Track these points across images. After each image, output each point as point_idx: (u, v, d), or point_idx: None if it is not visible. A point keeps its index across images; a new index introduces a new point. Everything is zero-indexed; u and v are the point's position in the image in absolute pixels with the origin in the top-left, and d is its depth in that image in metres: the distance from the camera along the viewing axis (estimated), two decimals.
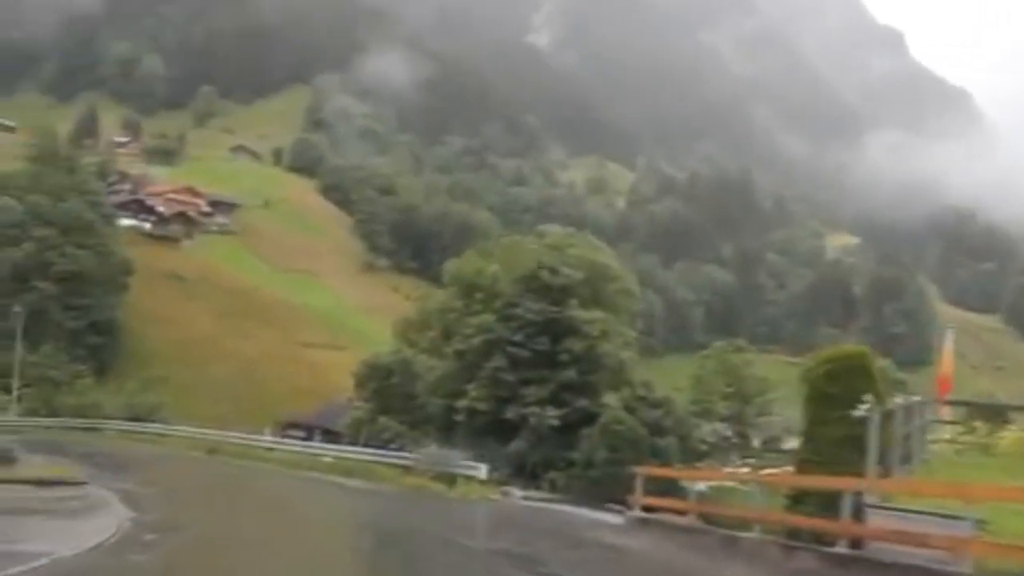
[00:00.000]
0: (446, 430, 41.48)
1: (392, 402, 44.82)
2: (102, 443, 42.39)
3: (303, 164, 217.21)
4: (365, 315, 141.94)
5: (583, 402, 39.78)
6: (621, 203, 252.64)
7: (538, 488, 32.07)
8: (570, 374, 40.15)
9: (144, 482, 23.19)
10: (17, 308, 67.67)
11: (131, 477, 24.71)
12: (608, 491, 26.02)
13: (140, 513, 17.63)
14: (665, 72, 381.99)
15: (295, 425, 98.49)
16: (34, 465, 23.00)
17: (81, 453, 34.70)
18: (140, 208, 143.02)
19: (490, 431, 40.14)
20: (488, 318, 42.00)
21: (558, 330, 41.22)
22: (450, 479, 27.96)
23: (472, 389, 41.42)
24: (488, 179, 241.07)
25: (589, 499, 24.26)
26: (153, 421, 47.74)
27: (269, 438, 38.15)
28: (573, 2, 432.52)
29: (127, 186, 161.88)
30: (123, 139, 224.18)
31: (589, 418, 39.10)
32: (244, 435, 40.37)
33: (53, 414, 46.11)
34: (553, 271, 41.82)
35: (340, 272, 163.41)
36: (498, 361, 40.81)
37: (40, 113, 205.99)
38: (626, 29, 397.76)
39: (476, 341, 41.99)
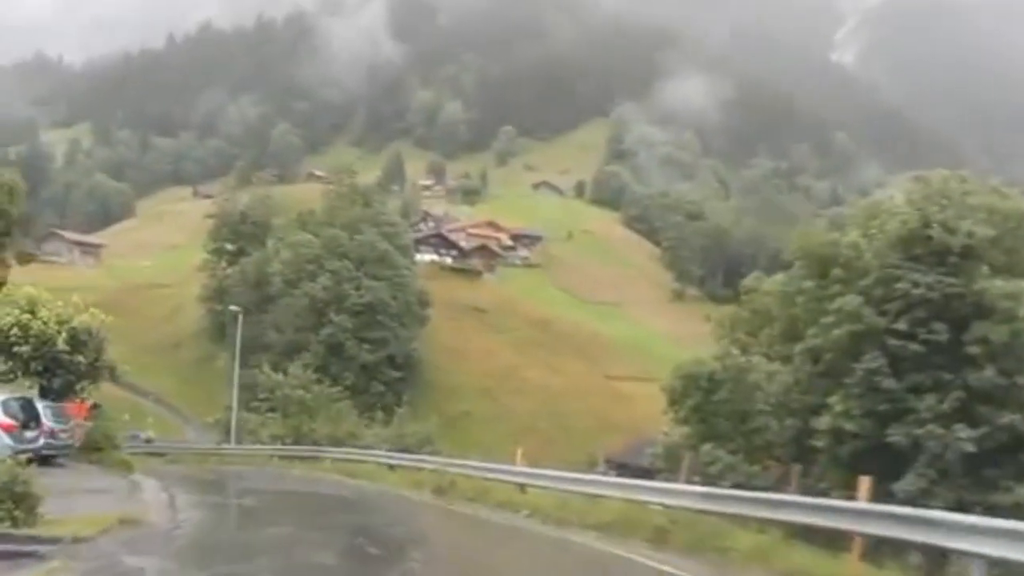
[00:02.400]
0: (799, 459, 29.25)
1: (717, 424, 33.52)
2: (308, 474, 33.60)
3: (606, 196, 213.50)
4: (676, 346, 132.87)
5: (1011, 416, 26.56)
6: None
7: None
8: (986, 375, 27.09)
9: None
10: (234, 307, 62.67)
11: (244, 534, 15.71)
12: None
13: None
14: (981, 75, 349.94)
15: (604, 462, 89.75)
16: (84, 511, 13.82)
17: (242, 488, 26.15)
18: (442, 243, 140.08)
19: (865, 461, 27.50)
20: (854, 301, 29.60)
21: (962, 311, 28.19)
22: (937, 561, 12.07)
23: (836, 402, 29.01)
24: (800, 201, 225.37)
25: None
26: (422, 453, 39.04)
27: (523, 469, 24.72)
28: (877, 15, 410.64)
29: (430, 224, 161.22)
30: (428, 182, 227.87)
31: (1020, 441, 26.10)
32: (499, 467, 27.92)
33: (300, 442, 38.41)
34: (948, 228, 28.97)
35: (648, 302, 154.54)
36: (873, 361, 28.36)
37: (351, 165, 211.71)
38: (934, 37, 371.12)
39: (838, 334, 29.58)
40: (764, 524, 14.29)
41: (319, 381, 44.45)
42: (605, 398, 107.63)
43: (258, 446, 41.19)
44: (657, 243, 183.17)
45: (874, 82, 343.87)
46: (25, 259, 39.57)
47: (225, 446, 46.37)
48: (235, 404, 47.79)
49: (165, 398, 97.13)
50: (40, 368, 29.47)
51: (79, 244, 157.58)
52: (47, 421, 24.86)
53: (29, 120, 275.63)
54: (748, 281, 46.99)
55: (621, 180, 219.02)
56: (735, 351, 35.07)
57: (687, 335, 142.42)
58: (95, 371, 31.20)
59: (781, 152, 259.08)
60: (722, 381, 33.30)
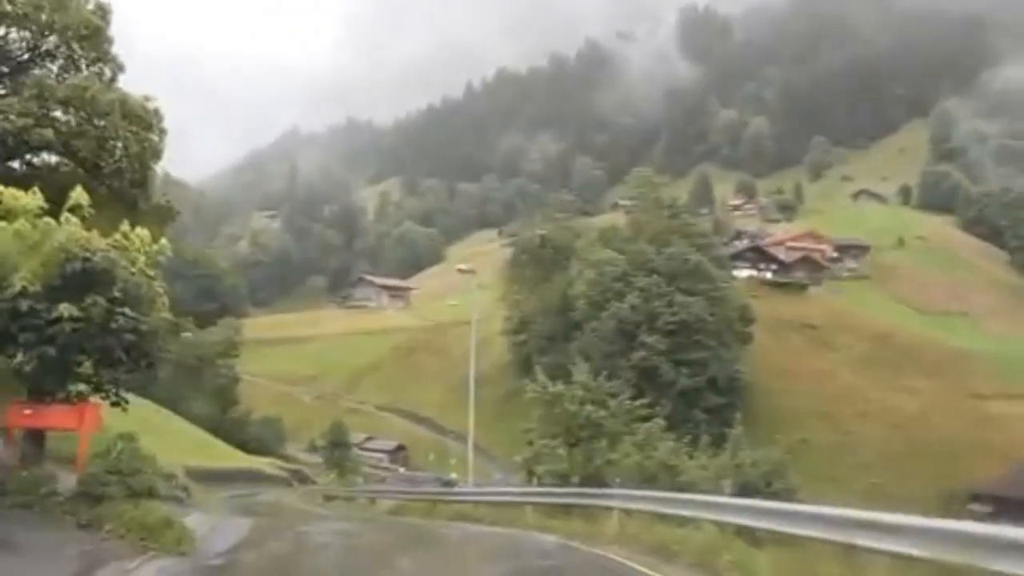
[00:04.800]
0: None
1: None
2: (567, 543, 18.13)
3: (936, 199, 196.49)
4: None
5: None
6: None
7: None
8: None
9: None
10: (463, 266, 53.62)
11: None
12: None
13: None
14: None
15: (976, 497, 75.03)
16: None
17: None
18: (759, 257, 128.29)
19: None
20: None
21: None
22: None
23: None
24: None
25: None
26: (770, 495, 28.21)
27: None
28: None
29: (744, 241, 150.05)
30: (737, 202, 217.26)
31: None
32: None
33: (590, 482, 25.38)
34: None
35: (1001, 311, 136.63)
36: None
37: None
38: None
39: None
40: None
41: (615, 393, 32.20)
42: (968, 420, 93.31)
43: (509, 488, 30.95)
44: (1002, 246, 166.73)
45: None
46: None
47: (463, 489, 36.48)
48: (471, 431, 36.22)
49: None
50: None
51: (387, 288, 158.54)
52: None
53: (343, 179, 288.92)
54: None
55: (951, 180, 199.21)
56: None
57: None
58: (109, 346, 15.73)
59: None
60: None
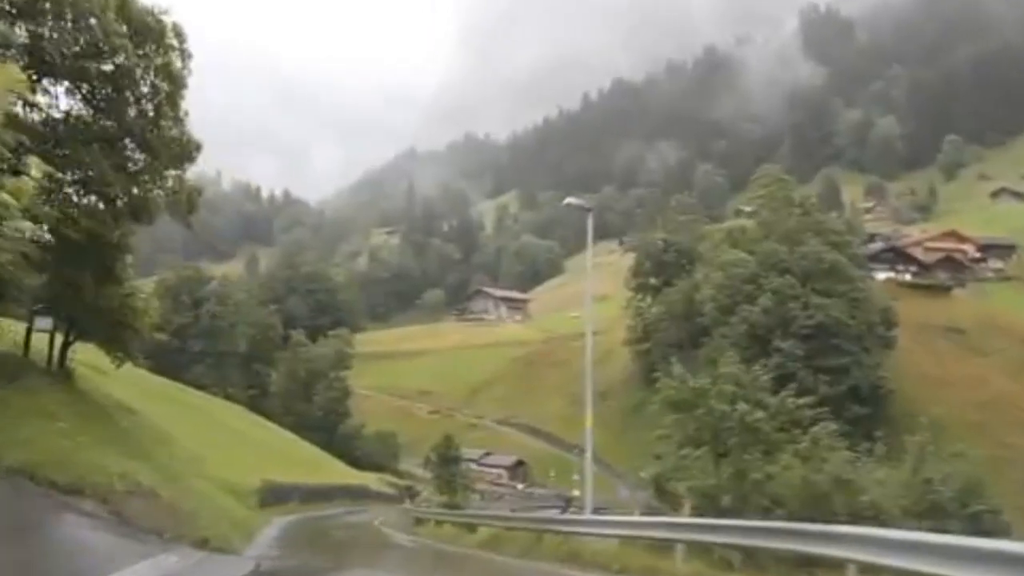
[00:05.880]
0: None
1: None
2: None
3: None
4: None
5: None
6: None
7: None
8: None
9: None
10: (572, 199, 47.88)
11: None
12: None
13: None
14: None
15: None
16: None
17: None
18: (896, 258, 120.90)
19: None
20: None
21: None
22: None
23: None
24: None
25: None
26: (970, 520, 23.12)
27: None
28: None
29: (878, 244, 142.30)
30: (868, 205, 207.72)
31: None
32: None
33: (745, 509, 18.74)
34: None
35: None
36: None
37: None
38: None
39: None
40: None
41: (775, 390, 25.57)
42: None
43: (649, 519, 19.11)
44: None
45: None
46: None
47: (577, 516, 29.98)
48: (588, 446, 27.63)
49: (594, 452, 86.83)
50: None
51: (506, 300, 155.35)
52: None
53: (461, 194, 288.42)
54: None
55: None
56: None
57: None
58: None
59: None
60: None
